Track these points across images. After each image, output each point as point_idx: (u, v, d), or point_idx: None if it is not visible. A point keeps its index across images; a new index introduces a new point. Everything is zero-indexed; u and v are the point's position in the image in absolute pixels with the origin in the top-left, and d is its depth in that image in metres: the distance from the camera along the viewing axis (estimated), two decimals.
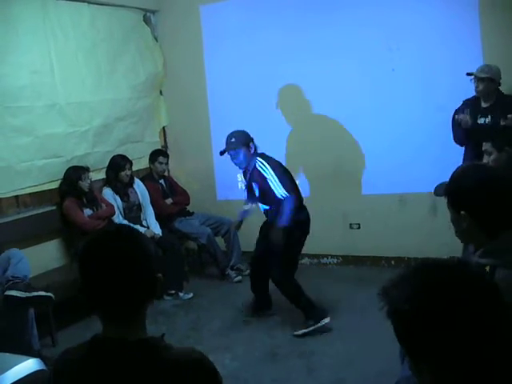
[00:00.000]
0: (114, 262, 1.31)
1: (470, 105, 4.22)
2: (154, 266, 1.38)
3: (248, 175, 4.24)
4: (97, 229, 4.40)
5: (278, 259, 4.00)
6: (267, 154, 4.21)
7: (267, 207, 4.20)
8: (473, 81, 4.12)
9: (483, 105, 4.17)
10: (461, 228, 1.72)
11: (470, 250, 1.84)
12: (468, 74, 4.12)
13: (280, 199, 3.97)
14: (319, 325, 4.00)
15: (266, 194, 4.08)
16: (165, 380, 1.29)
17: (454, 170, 1.81)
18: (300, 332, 4.00)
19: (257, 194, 4.20)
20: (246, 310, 4.53)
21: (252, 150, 4.15)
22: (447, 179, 1.88)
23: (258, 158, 4.13)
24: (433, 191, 1.96)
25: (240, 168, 4.31)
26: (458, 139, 4.28)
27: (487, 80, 4.05)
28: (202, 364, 1.35)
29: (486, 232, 1.66)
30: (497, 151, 3.52)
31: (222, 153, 4.21)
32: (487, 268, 1.60)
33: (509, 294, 1.07)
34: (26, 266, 3.85)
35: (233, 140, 4.15)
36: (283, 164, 4.30)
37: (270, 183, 4.01)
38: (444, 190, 1.77)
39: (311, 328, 3.99)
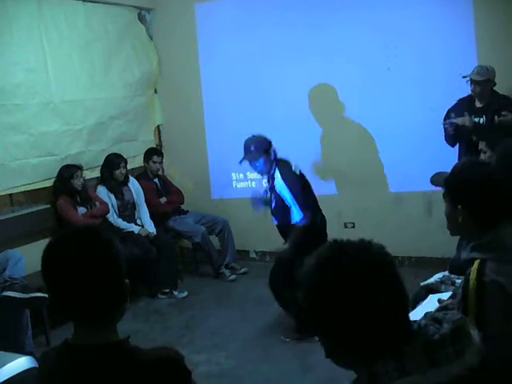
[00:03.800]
0: (74, 265, 1.28)
1: (465, 104, 4.23)
2: (121, 270, 1.34)
3: (270, 181, 3.96)
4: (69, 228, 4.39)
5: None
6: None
7: (276, 222, 3.99)
8: (468, 82, 4.12)
9: (478, 104, 4.18)
10: (456, 222, 1.74)
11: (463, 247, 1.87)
12: (463, 77, 4.10)
13: (290, 221, 3.78)
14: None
15: (281, 210, 3.87)
16: (134, 382, 1.28)
17: (455, 164, 1.84)
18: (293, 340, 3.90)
19: (272, 205, 3.96)
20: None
21: (272, 156, 3.87)
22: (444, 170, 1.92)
23: (277, 170, 3.84)
24: (428, 187, 1.99)
25: (261, 176, 4.17)
26: (449, 140, 4.31)
27: (484, 82, 4.05)
28: (173, 362, 1.34)
29: (480, 226, 1.69)
30: (490, 150, 3.56)
31: (241, 162, 3.94)
32: (478, 261, 1.63)
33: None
34: (23, 266, 3.86)
35: (252, 149, 3.85)
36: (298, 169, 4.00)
37: (286, 202, 3.78)
38: (444, 181, 1.79)
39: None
